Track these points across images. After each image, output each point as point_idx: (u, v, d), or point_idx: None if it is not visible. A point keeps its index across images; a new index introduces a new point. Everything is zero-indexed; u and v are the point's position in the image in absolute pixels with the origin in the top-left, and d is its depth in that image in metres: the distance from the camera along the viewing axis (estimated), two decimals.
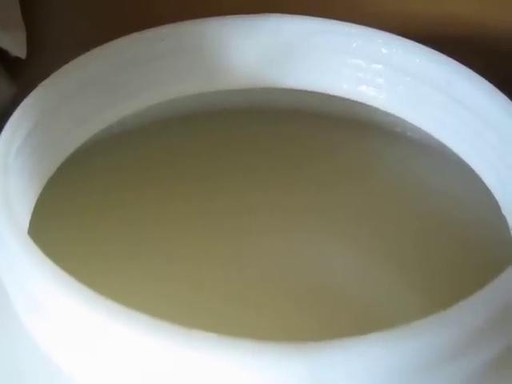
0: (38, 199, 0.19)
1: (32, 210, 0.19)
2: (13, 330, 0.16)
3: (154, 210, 0.23)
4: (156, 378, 0.14)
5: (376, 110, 0.23)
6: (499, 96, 0.21)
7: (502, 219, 0.20)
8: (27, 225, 0.18)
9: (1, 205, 0.16)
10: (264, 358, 0.13)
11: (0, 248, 0.16)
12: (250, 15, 0.23)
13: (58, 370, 0.15)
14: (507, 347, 0.15)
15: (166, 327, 0.14)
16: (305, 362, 0.13)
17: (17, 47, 0.24)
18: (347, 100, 0.23)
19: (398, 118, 0.23)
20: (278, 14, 0.23)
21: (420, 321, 0.14)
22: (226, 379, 0.14)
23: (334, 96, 0.23)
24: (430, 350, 0.14)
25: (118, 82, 0.22)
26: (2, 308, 0.16)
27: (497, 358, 0.15)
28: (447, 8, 0.26)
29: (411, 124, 0.23)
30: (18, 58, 0.25)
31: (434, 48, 0.22)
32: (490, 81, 0.21)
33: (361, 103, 0.23)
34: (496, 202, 0.20)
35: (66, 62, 0.21)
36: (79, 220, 0.22)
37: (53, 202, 0.20)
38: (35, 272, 0.15)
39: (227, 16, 0.22)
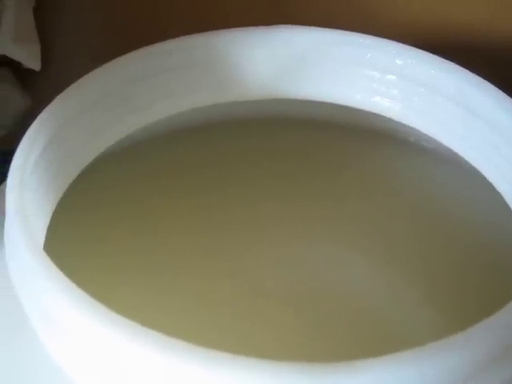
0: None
1: (48, 222, 0.19)
2: (28, 343, 0.16)
3: (165, 221, 0.23)
4: None
5: (390, 120, 0.23)
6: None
7: None
8: (43, 238, 0.18)
9: (17, 220, 0.16)
10: (272, 378, 0.13)
11: (16, 263, 0.16)
12: (262, 27, 0.23)
13: (70, 383, 0.15)
14: None
15: (176, 344, 0.14)
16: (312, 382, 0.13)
17: (31, 60, 0.25)
18: (361, 111, 0.23)
19: (412, 128, 0.23)
20: (291, 26, 0.23)
21: (428, 345, 0.14)
22: None
23: (347, 107, 0.23)
24: (440, 375, 0.14)
25: (131, 95, 0.22)
26: (17, 321, 0.16)
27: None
28: (454, 17, 0.26)
29: (425, 134, 0.23)
30: (30, 70, 0.25)
31: (442, 57, 0.22)
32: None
33: (375, 114, 0.23)
34: (509, 209, 0.20)
35: (77, 74, 0.21)
36: (92, 232, 0.23)
37: (66, 214, 0.20)
38: (50, 287, 0.15)
39: (239, 28, 0.22)
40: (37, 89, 0.27)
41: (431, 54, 0.22)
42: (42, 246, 0.17)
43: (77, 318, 0.14)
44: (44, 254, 0.15)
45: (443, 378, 0.14)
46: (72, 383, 0.15)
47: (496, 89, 0.21)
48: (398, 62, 0.22)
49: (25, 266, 0.15)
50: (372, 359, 0.13)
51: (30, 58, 0.24)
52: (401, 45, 0.22)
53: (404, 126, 0.23)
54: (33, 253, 0.15)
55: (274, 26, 0.22)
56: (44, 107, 0.20)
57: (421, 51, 0.22)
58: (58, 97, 0.20)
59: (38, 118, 0.20)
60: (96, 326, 0.14)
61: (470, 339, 0.14)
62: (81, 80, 0.21)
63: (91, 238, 0.22)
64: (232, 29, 0.22)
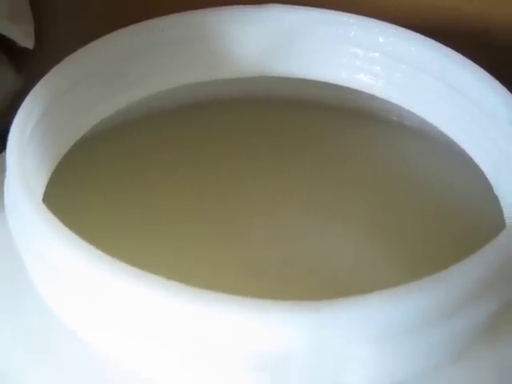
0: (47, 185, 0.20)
1: (43, 192, 0.19)
2: (26, 294, 0.16)
3: (162, 192, 0.24)
4: (162, 331, 0.15)
5: (373, 97, 0.23)
6: (493, 82, 0.21)
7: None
8: (41, 197, 0.18)
9: (17, 176, 0.16)
10: (269, 314, 0.14)
11: (16, 216, 0.17)
12: (251, 6, 0.23)
13: (72, 334, 0.16)
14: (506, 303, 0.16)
15: (177, 286, 0.14)
16: (307, 318, 0.14)
17: (25, 38, 0.25)
18: (345, 88, 0.24)
19: (394, 104, 0.23)
20: (279, 5, 0.23)
21: (420, 280, 0.14)
22: (237, 336, 0.14)
23: (332, 84, 0.24)
24: (430, 307, 0.14)
25: (123, 70, 0.22)
26: (16, 275, 0.17)
27: (496, 313, 0.16)
28: (446, 1, 0.27)
29: (408, 111, 0.23)
30: (23, 49, 0.26)
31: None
32: (490, 73, 0.22)
33: (359, 91, 0.24)
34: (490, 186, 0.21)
35: (71, 52, 0.22)
36: (88, 205, 0.23)
37: (61, 188, 0.21)
38: (49, 236, 0.15)
39: (228, 6, 0.23)
40: (29, 70, 0.27)
41: (413, 32, 0.23)
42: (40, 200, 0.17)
43: (75, 264, 0.15)
44: (43, 205, 0.16)
45: (434, 310, 0.14)
46: (74, 334, 0.16)
47: (478, 67, 0.22)
48: (381, 39, 0.23)
49: (24, 217, 0.16)
50: (362, 296, 0.14)
51: (23, 35, 0.25)
52: (384, 23, 0.23)
53: (387, 103, 0.24)
54: (31, 204, 0.16)
55: (262, 5, 0.23)
56: None
57: (403, 29, 0.23)
58: (53, 70, 0.21)
59: (33, 90, 0.20)
60: (93, 271, 0.15)
61: (448, 277, 0.15)
62: (75, 54, 0.21)
63: (88, 209, 0.23)
64: (222, 7, 0.23)
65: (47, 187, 0.19)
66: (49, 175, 0.20)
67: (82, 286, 0.15)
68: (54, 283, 0.16)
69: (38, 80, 0.21)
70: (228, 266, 0.22)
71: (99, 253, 0.15)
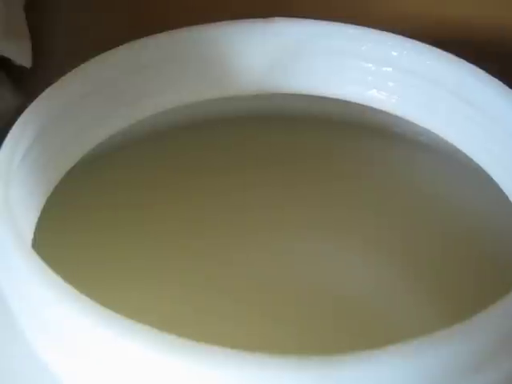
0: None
1: (35, 222, 0.18)
2: (15, 343, 0.16)
3: (161, 224, 0.23)
4: None
5: (387, 114, 0.22)
6: None
7: None
8: (31, 237, 0.17)
9: (4, 219, 0.15)
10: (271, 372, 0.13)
11: (3, 261, 0.16)
12: (257, 19, 0.22)
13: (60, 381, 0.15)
14: None
15: (171, 340, 0.13)
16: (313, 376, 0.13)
17: (22, 56, 0.24)
18: (357, 104, 0.23)
19: (408, 122, 0.22)
20: (285, 18, 0.22)
21: (433, 334, 0.13)
22: None
23: (343, 100, 0.23)
24: (446, 365, 0.13)
25: (122, 89, 0.21)
26: (4, 322, 0.16)
27: None
28: (458, 11, 0.26)
29: (423, 128, 0.22)
30: (21, 68, 0.25)
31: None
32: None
33: (371, 107, 0.23)
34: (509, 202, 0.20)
35: (68, 71, 0.21)
36: (82, 235, 0.22)
37: (55, 216, 0.20)
38: (38, 285, 0.14)
39: (233, 20, 0.22)
40: (28, 88, 0.27)
41: (428, 45, 0.22)
42: (29, 245, 0.17)
43: (67, 315, 0.14)
44: (33, 252, 0.15)
45: (440, 372, 0.13)
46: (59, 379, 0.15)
47: (496, 80, 0.21)
48: (394, 53, 0.22)
49: (12, 264, 0.15)
50: (372, 351, 0.13)
51: (20, 54, 0.24)
52: (396, 36, 0.22)
53: (401, 119, 0.23)
54: (21, 251, 0.15)
55: (269, 19, 0.22)
56: None
57: (417, 42, 0.22)
58: (42, 94, 0.20)
59: (22, 115, 0.19)
60: (88, 323, 0.14)
61: (468, 331, 0.14)
62: (68, 75, 0.20)
63: (82, 241, 0.22)
64: (224, 22, 0.22)
65: (39, 220, 0.19)
66: (41, 205, 0.19)
67: (72, 335, 0.14)
68: (44, 332, 0.15)
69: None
70: (236, 289, 0.22)
71: (91, 302, 0.14)
